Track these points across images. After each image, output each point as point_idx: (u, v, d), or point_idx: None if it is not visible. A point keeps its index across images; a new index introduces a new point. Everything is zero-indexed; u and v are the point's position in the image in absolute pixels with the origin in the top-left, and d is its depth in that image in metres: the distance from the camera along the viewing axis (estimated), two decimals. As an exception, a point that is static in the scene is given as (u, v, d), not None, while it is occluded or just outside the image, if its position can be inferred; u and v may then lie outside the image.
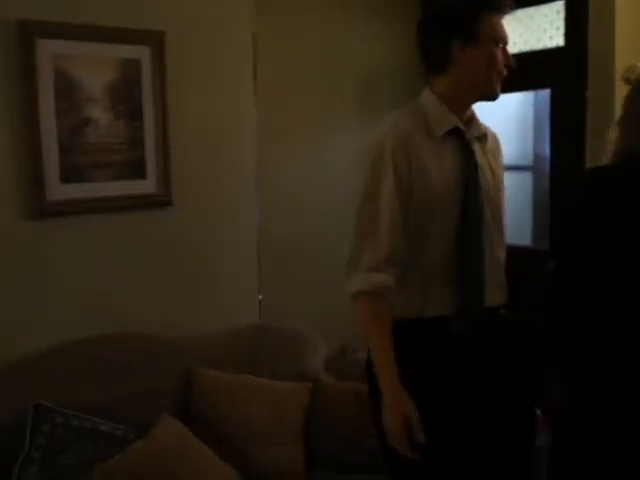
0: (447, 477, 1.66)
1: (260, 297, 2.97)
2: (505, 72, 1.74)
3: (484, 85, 1.74)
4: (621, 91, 3.39)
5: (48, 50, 2.32)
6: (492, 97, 1.77)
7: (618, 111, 3.58)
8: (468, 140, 1.75)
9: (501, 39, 1.72)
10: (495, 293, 1.75)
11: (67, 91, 2.37)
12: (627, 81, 3.26)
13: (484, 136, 1.81)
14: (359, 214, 1.73)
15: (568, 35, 3.60)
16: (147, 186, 2.58)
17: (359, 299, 1.67)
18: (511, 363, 1.79)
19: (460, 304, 1.67)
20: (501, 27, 1.72)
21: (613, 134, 2.45)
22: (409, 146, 1.67)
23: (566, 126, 3.45)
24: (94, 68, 2.43)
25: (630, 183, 1.95)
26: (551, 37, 3.81)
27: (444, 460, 1.62)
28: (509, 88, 1.87)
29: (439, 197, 1.67)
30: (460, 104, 1.76)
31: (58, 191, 2.38)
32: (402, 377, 1.62)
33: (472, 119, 1.79)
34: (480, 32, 1.68)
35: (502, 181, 1.85)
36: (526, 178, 3.71)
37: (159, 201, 2.60)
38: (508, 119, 3.78)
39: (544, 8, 3.82)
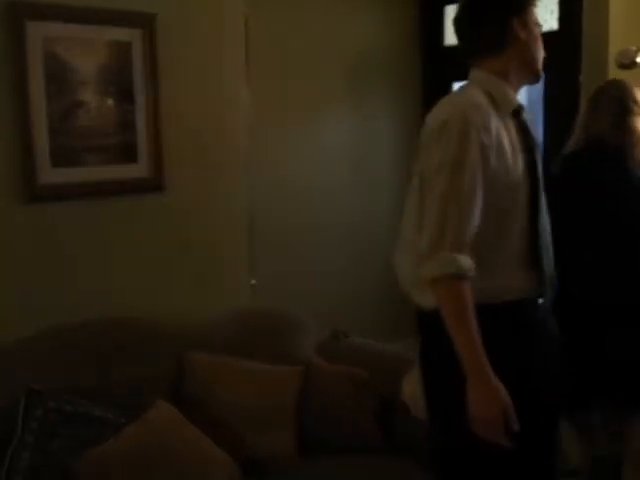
0: (512, 467, 1.63)
1: (253, 281, 2.97)
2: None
3: (535, 64, 1.73)
4: (614, 75, 3.40)
5: (38, 32, 2.30)
6: (537, 78, 1.77)
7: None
8: (525, 120, 1.71)
9: (538, 21, 1.75)
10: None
11: (57, 74, 2.35)
12: (621, 65, 3.27)
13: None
14: (438, 191, 1.55)
15: (562, 19, 3.59)
16: (139, 170, 2.56)
17: (443, 282, 1.52)
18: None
19: (539, 288, 1.66)
20: None
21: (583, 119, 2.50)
22: (491, 123, 1.59)
23: (560, 110, 3.45)
24: (85, 51, 2.41)
25: (596, 168, 2.07)
26: (545, 21, 3.79)
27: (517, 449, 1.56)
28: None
29: (519, 179, 1.62)
30: (515, 84, 1.72)
31: (49, 175, 2.36)
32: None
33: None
34: (531, 12, 1.71)
35: None
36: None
37: (151, 185, 2.59)
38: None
39: (538, -8, 3.80)
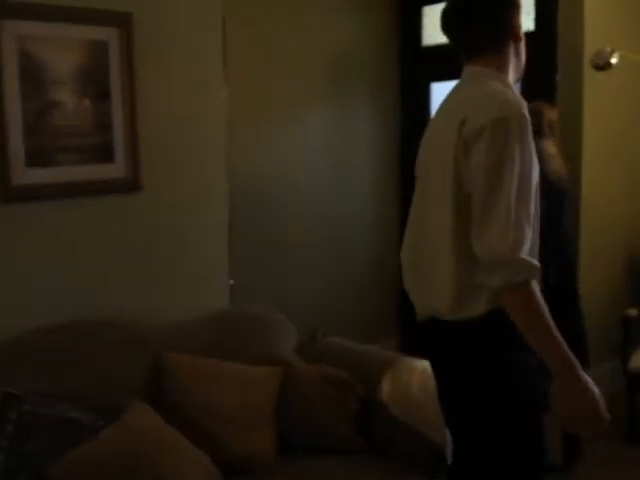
0: None
1: (231, 282, 2.96)
2: None
3: (524, 61, 1.73)
4: (590, 75, 3.43)
5: (13, 31, 2.26)
6: (521, 77, 1.77)
7: (587, 95, 3.64)
8: None
9: None
10: None
11: (33, 73, 2.32)
12: (596, 66, 3.30)
13: None
14: (506, 192, 1.46)
15: (538, 20, 3.63)
16: (116, 170, 2.54)
17: (525, 286, 1.45)
18: None
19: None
20: None
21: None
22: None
23: (536, 111, 3.48)
24: (60, 50, 2.38)
25: None
26: (522, 22, 3.82)
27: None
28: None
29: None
30: (512, 81, 1.70)
31: (24, 175, 2.33)
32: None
33: None
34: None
35: None
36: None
37: (128, 185, 2.57)
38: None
39: (515, -7, 3.83)
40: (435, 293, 1.64)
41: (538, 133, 2.48)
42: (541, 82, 3.60)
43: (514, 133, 1.47)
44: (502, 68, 1.66)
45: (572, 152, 3.53)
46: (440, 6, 1.79)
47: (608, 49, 3.20)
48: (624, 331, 3.45)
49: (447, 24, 1.70)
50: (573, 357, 1.48)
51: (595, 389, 1.48)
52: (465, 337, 1.60)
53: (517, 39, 1.68)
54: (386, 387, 2.41)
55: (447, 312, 1.61)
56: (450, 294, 1.58)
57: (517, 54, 1.69)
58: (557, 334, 1.47)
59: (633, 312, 3.50)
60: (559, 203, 2.80)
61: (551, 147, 2.85)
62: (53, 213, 2.42)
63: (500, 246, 1.44)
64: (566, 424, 1.53)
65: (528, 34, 3.78)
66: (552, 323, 1.47)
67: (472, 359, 1.60)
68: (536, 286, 1.47)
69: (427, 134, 1.77)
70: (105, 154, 2.51)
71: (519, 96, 1.61)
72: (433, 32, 4.15)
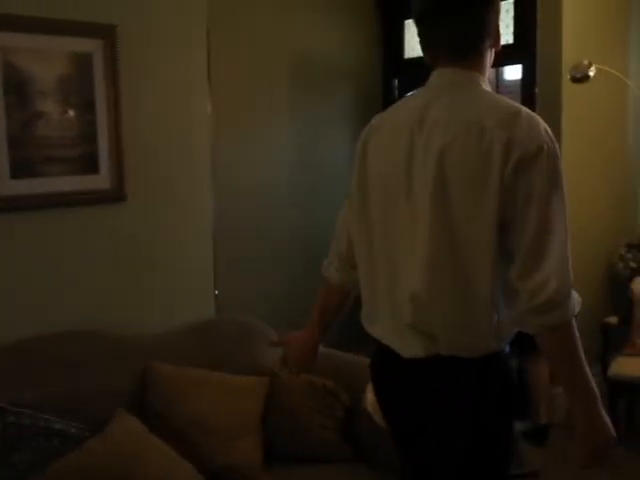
0: None
1: (216, 292, 2.96)
2: None
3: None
4: (568, 88, 3.49)
5: (-3, 43, 2.27)
6: None
7: (565, 107, 3.71)
8: None
9: None
10: None
11: (17, 85, 2.33)
12: (574, 79, 3.37)
13: None
14: (564, 220, 1.40)
15: (517, 33, 3.69)
16: (100, 181, 2.55)
17: (572, 322, 1.40)
18: None
19: None
20: None
21: None
22: None
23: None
24: (44, 61, 2.39)
25: None
26: (501, 35, 3.89)
27: None
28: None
29: None
30: None
31: (8, 187, 2.33)
32: None
33: None
34: None
35: None
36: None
37: (113, 196, 2.58)
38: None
39: (494, 6, 3.90)
40: (463, 329, 1.48)
41: None
42: (521, 94, 3.66)
43: (557, 164, 1.41)
44: (484, 72, 1.56)
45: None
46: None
47: (585, 62, 3.27)
48: (604, 339, 3.50)
49: (432, 20, 1.53)
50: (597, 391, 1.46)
51: (609, 421, 1.48)
52: (481, 371, 1.51)
53: (497, 44, 1.57)
54: (370, 396, 2.42)
55: (478, 349, 1.49)
56: (486, 331, 1.47)
57: (491, 60, 1.58)
58: (588, 369, 1.43)
59: (613, 320, 3.56)
60: None
61: None
62: (38, 224, 2.42)
63: (561, 284, 1.37)
64: (588, 455, 1.49)
65: (507, 47, 3.85)
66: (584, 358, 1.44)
67: (487, 392, 1.51)
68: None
69: (381, 145, 1.58)
70: (90, 165, 2.52)
71: None
72: (416, 45, 4.19)
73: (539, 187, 1.37)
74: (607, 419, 1.46)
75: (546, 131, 1.42)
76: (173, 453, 2.20)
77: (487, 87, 1.53)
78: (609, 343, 3.50)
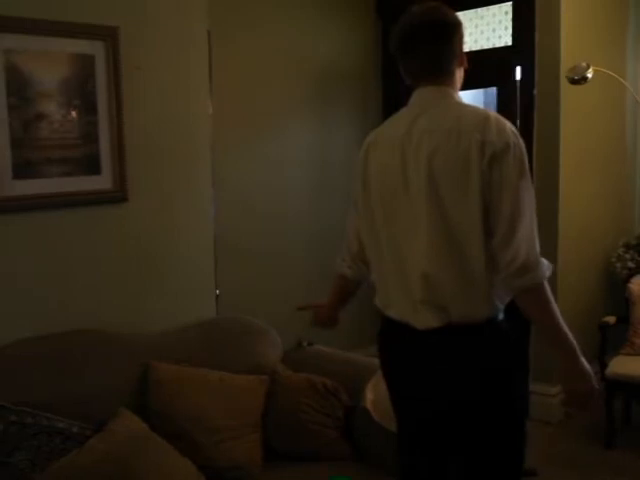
0: None
1: (217, 292, 2.98)
2: None
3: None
4: (566, 89, 3.51)
5: (-1, 45, 2.29)
6: None
7: (564, 108, 3.73)
8: None
9: None
10: None
11: (19, 86, 2.34)
12: (572, 81, 3.39)
13: None
14: (530, 200, 1.70)
15: (516, 35, 3.71)
16: (102, 182, 2.56)
17: (544, 286, 1.69)
18: None
19: None
20: None
21: None
22: None
23: (514, 124, 3.56)
24: (47, 63, 2.41)
25: None
26: (500, 37, 3.91)
27: None
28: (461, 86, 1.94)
29: None
30: None
31: (11, 187, 2.34)
32: None
33: None
34: None
35: None
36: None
37: (114, 197, 2.59)
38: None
39: (493, 9, 3.92)
40: (468, 299, 1.75)
41: None
42: (520, 96, 3.68)
43: (524, 156, 1.70)
44: (455, 88, 1.84)
45: (549, 165, 3.60)
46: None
47: (583, 64, 3.29)
48: (602, 338, 3.52)
49: (410, 50, 1.81)
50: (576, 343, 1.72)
51: (590, 369, 1.73)
52: (489, 333, 1.77)
53: (464, 63, 1.85)
54: (370, 394, 2.44)
55: (479, 314, 1.76)
56: (485, 298, 1.75)
57: (461, 77, 1.87)
58: (565, 325, 1.70)
59: (611, 319, 3.57)
60: None
61: None
62: (39, 225, 2.43)
63: (530, 252, 1.66)
64: (568, 399, 1.75)
65: (506, 48, 3.87)
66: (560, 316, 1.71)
67: (499, 350, 1.78)
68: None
69: (379, 156, 1.85)
70: (92, 166, 2.53)
71: None
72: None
73: (509, 176, 1.66)
74: (588, 368, 1.71)
75: (512, 131, 1.70)
76: (174, 452, 2.22)
77: (459, 99, 1.82)
78: (607, 342, 3.51)
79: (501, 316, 1.79)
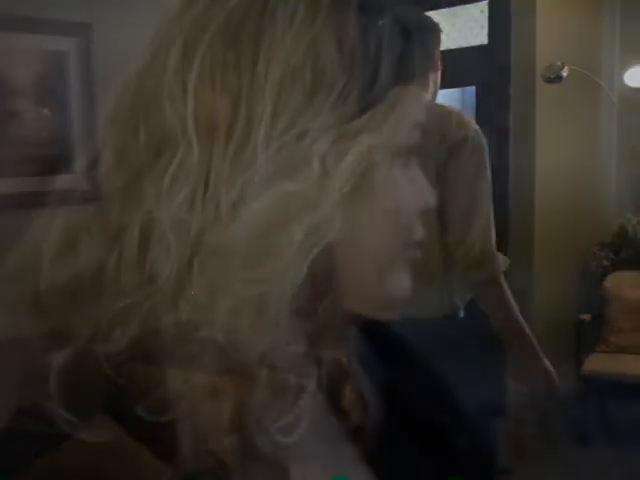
0: None
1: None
2: None
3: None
4: (542, 88, 3.54)
5: (-32, 41, 2.25)
6: None
7: (539, 107, 3.76)
8: None
9: None
10: None
11: (-11, 83, 2.31)
12: (547, 79, 3.41)
13: None
14: (487, 196, 1.71)
15: (491, 34, 3.72)
16: (76, 181, 2.52)
17: (501, 279, 1.72)
18: None
19: None
20: None
21: None
22: None
23: (490, 122, 3.57)
24: (18, 60, 2.37)
25: None
26: (476, 35, 3.93)
27: None
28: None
29: None
30: None
31: (-19, 187, 2.31)
32: None
33: None
34: None
35: None
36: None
37: (89, 196, 2.55)
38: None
39: (470, 7, 3.93)
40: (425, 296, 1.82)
41: None
42: (495, 94, 3.70)
43: (485, 151, 1.71)
44: (428, 91, 1.80)
45: (525, 163, 3.63)
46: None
47: (559, 63, 3.31)
48: (577, 336, 3.55)
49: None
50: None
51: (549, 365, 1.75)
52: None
53: (437, 68, 1.82)
54: (348, 394, 2.44)
55: (440, 311, 1.78)
56: (443, 295, 1.77)
57: (435, 83, 1.85)
58: (521, 318, 1.73)
59: (586, 317, 3.61)
60: None
61: None
62: (12, 224, 2.39)
63: (484, 247, 1.68)
64: (525, 394, 1.77)
65: (482, 47, 3.89)
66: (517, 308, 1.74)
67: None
68: None
69: None
70: (65, 164, 2.49)
71: None
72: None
73: (464, 170, 1.66)
74: (550, 366, 1.73)
75: (473, 127, 1.72)
76: (148, 455, 2.19)
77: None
78: (582, 340, 3.55)
79: (461, 314, 1.80)
